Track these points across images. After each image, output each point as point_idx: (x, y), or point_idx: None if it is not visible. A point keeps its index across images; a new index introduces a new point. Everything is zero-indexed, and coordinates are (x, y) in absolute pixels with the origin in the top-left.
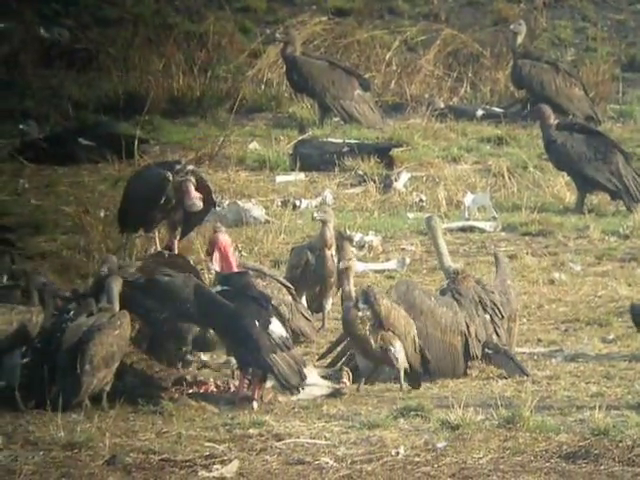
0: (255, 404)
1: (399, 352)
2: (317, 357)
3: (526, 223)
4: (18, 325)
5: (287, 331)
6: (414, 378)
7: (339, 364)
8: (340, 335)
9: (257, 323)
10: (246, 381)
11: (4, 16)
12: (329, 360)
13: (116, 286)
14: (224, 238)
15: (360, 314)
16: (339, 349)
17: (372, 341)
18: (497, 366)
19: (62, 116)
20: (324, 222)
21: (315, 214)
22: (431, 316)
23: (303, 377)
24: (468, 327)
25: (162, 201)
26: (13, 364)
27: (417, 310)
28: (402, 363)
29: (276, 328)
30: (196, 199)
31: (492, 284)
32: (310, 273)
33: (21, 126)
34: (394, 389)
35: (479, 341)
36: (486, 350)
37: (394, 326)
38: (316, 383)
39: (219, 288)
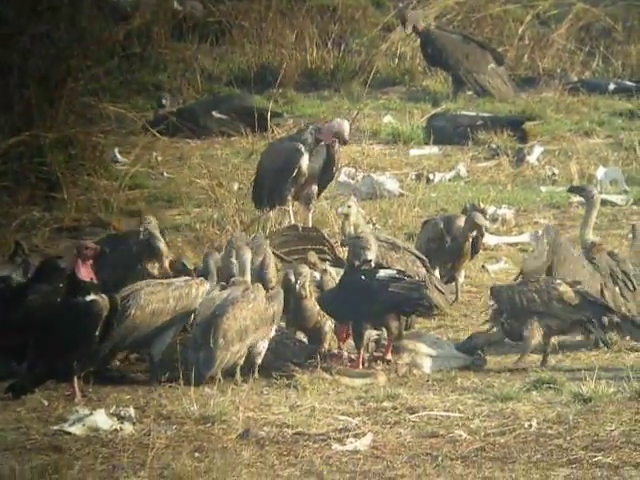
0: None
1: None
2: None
3: None
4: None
5: (398, 270)
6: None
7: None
8: None
9: (362, 277)
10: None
11: None
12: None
13: (248, 258)
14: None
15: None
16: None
17: None
18: (625, 335)
19: (195, 89)
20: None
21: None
22: (573, 266)
23: (422, 292)
24: (602, 290)
25: (294, 173)
26: (164, 340)
27: (561, 257)
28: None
29: (383, 273)
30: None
31: (626, 255)
32: (445, 248)
33: (156, 101)
34: (526, 362)
35: None
36: (614, 319)
37: None
38: (450, 355)
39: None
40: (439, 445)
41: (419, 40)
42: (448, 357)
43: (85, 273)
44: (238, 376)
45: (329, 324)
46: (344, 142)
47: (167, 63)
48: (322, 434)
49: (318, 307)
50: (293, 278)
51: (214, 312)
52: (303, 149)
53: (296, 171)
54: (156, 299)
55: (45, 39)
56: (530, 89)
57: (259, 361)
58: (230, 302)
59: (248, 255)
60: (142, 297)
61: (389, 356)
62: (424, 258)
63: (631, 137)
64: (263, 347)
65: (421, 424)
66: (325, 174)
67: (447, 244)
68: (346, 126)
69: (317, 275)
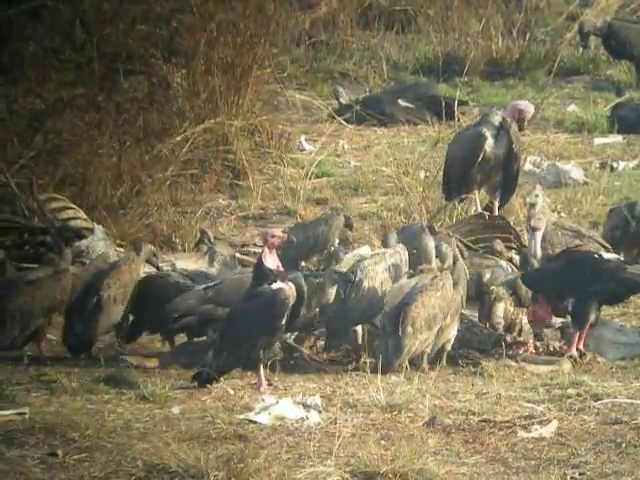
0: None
1: None
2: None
3: None
4: None
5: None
6: None
7: None
8: None
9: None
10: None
11: None
12: None
13: (432, 246)
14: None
15: None
16: None
17: None
18: None
19: (380, 77)
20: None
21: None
22: None
23: None
24: None
25: (480, 158)
26: None
27: None
28: None
29: (607, 255)
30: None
31: None
32: (630, 234)
33: (339, 88)
34: None
35: None
36: None
37: None
38: (634, 342)
39: None
40: (623, 432)
41: (601, 36)
42: (632, 344)
43: (271, 261)
44: (425, 364)
45: (520, 317)
46: (521, 127)
47: (353, 51)
48: (507, 421)
49: (511, 309)
50: (487, 276)
51: (402, 300)
52: (487, 133)
53: (481, 156)
54: (381, 268)
55: (232, 27)
56: None
57: (449, 348)
58: (419, 290)
59: (432, 243)
60: (368, 268)
61: (581, 345)
62: (608, 246)
63: None
64: (453, 335)
65: (605, 411)
66: (509, 161)
67: (632, 229)
68: (531, 109)
69: (503, 265)
